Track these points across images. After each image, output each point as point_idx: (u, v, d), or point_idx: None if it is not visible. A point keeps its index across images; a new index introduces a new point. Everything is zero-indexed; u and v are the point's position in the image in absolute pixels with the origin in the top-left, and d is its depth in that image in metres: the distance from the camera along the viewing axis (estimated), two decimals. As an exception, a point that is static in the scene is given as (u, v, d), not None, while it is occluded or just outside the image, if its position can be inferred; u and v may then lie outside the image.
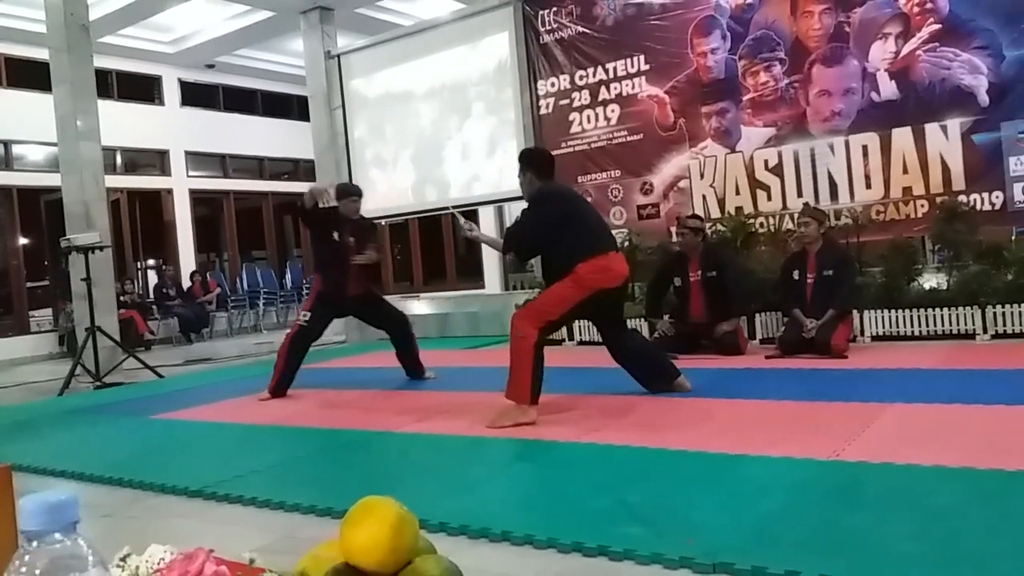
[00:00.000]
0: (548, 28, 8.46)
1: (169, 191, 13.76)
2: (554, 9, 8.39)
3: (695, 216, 6.53)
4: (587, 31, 8.17)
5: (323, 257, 5.60)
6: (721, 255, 6.15)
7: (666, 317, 6.07)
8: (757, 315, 6.28)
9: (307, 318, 5.49)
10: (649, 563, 2.07)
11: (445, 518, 2.49)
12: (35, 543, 0.66)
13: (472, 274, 13.00)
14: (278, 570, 1.16)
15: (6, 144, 11.69)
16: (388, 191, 10.05)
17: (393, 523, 1.20)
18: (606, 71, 8.08)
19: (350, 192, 5.75)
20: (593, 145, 8.18)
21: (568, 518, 2.46)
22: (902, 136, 6.49)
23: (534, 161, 4.29)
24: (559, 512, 2.55)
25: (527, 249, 4.44)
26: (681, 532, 2.24)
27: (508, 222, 12.17)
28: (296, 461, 3.69)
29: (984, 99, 6.18)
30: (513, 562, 2.20)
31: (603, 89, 8.10)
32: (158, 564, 1.06)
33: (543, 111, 8.54)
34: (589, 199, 8.10)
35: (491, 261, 12.50)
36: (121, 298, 10.17)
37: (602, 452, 3.26)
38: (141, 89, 13.49)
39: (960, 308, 5.59)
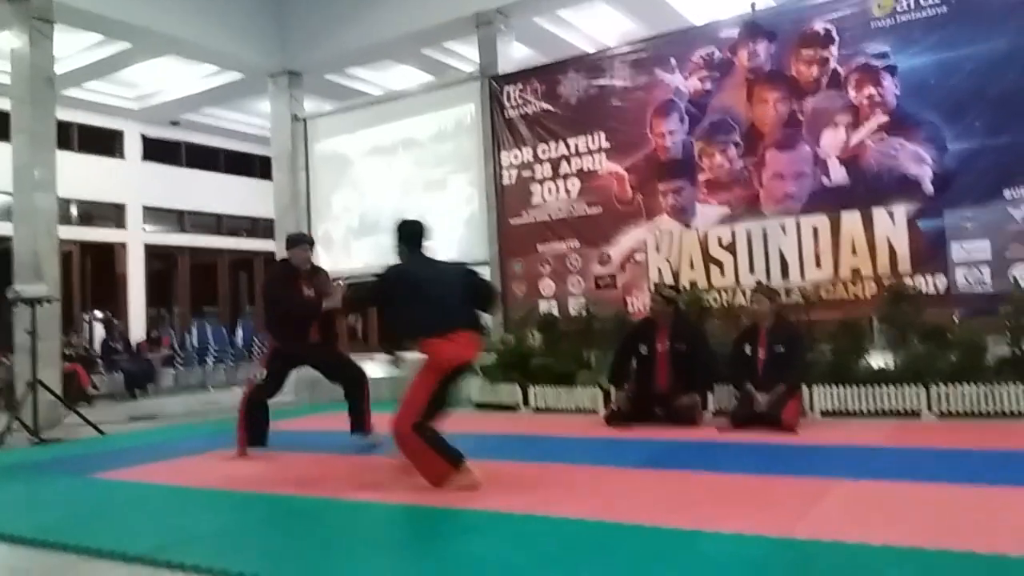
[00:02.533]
0: (513, 103, 8.67)
1: (123, 245, 13.56)
2: (520, 85, 8.62)
3: (671, 286, 6.60)
4: (551, 108, 8.39)
5: (280, 312, 5.45)
6: (693, 329, 6.20)
7: (625, 387, 6.05)
8: (711, 390, 6.32)
9: (263, 376, 5.41)
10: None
11: (394, 589, 2.43)
12: None
13: (428, 339, 12.93)
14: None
15: (-43, 191, 11.45)
16: (349, 253, 10.04)
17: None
18: (568, 146, 8.28)
19: (301, 240, 5.68)
20: (553, 216, 8.32)
21: (520, 592, 2.42)
22: (851, 219, 6.73)
23: (402, 232, 4.46)
24: (511, 585, 2.51)
25: (362, 302, 4.92)
26: (634, 608, 2.21)
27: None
28: (241, 528, 3.58)
29: (929, 188, 6.45)
30: (463, 636, 2.15)
31: (564, 163, 8.29)
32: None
33: (506, 181, 8.68)
34: (547, 267, 8.27)
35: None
36: (66, 351, 9.88)
37: (556, 525, 3.23)
38: (102, 142, 13.40)
39: (906, 387, 5.71)
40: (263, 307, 6.01)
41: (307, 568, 2.85)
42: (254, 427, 5.39)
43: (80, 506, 4.18)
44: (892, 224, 6.57)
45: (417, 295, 4.17)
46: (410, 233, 4.44)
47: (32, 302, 7.09)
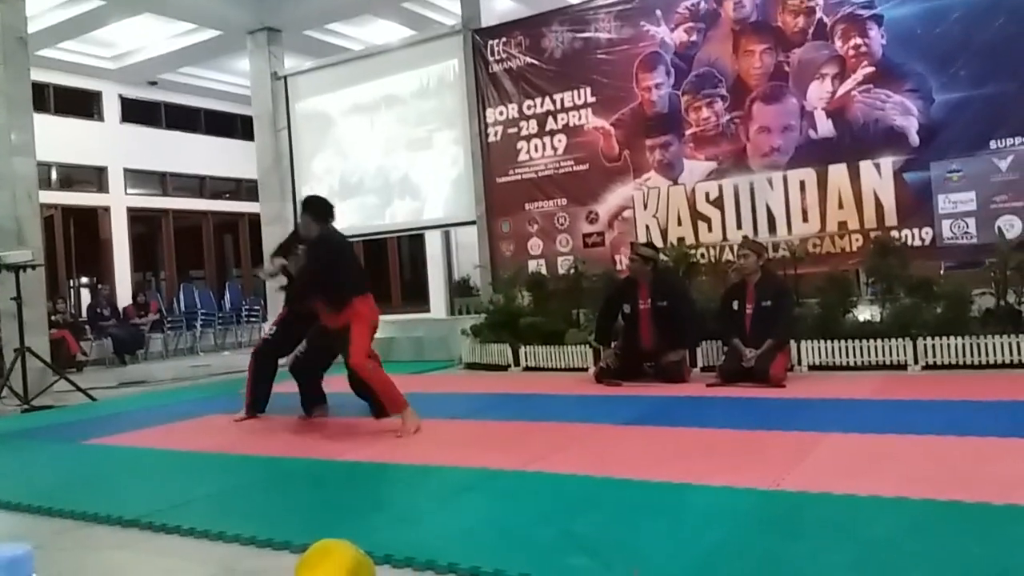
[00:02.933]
0: (497, 58, 8.55)
1: (106, 208, 13.39)
2: (503, 39, 8.49)
3: (648, 244, 6.61)
4: (535, 62, 8.28)
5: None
6: (674, 284, 6.23)
7: (613, 345, 6.10)
8: (698, 345, 6.38)
9: (273, 332, 5.42)
10: (596, 594, 2.08)
11: (390, 550, 2.45)
12: None
13: (417, 298, 12.93)
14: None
15: (-67, 156, 11.25)
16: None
17: (350, 567, 1.20)
18: (553, 102, 8.19)
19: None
20: (540, 174, 8.26)
21: (514, 549, 2.45)
22: (838, 172, 6.72)
23: (313, 207, 4.78)
24: (505, 543, 2.54)
25: (311, 289, 4.77)
26: (627, 563, 2.25)
27: (455, 248, 12.21)
28: (236, 490, 3.61)
29: (915, 139, 6.45)
30: (460, 594, 2.19)
31: (550, 119, 8.21)
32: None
33: (491, 139, 8.60)
34: (535, 226, 8.25)
35: (437, 285, 12.46)
36: (52, 317, 9.83)
37: (547, 481, 3.27)
38: (80, 104, 13.15)
39: (893, 340, 5.77)
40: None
41: (303, 529, 2.87)
42: (258, 390, 5.35)
43: (74, 472, 4.19)
44: (879, 177, 6.57)
45: (348, 262, 4.73)
46: (325, 208, 4.80)
47: (16, 268, 7.02)
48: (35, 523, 3.23)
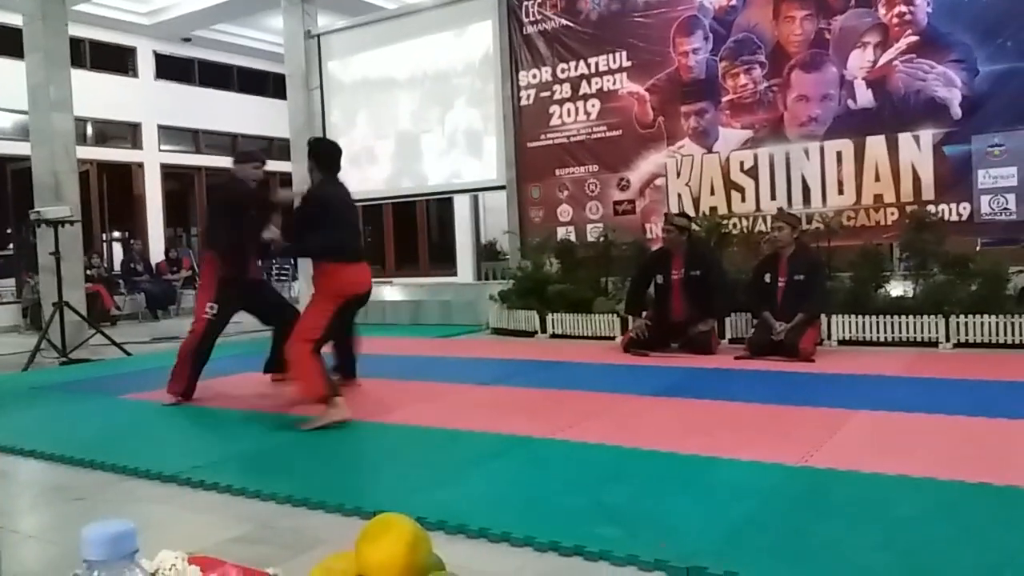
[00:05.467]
0: (532, 19, 8.46)
1: (140, 165, 13.55)
2: (538, 0, 8.38)
3: (682, 214, 6.57)
4: (571, 24, 8.18)
5: (230, 237, 4.70)
6: (707, 254, 6.20)
7: (643, 315, 6.09)
8: (728, 316, 6.36)
9: (214, 311, 4.68)
10: (624, 565, 2.12)
11: (422, 512, 2.50)
12: (96, 571, 0.69)
13: (444, 261, 12.99)
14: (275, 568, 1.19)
15: (-27, 111, 11.42)
16: (363, 174, 9.99)
17: (409, 541, 1.24)
18: (588, 65, 8.10)
19: (252, 158, 4.97)
20: (572, 139, 8.21)
21: (544, 516, 2.50)
22: (876, 144, 6.61)
23: (318, 152, 4.39)
24: (535, 511, 2.58)
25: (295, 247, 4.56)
26: (655, 534, 2.29)
27: (483, 212, 12.21)
28: (270, 449, 3.69)
29: (957, 112, 6.31)
30: (491, 560, 2.24)
31: (584, 83, 8.13)
32: (170, 570, 1.08)
33: (523, 102, 8.55)
34: (565, 192, 8.22)
35: (464, 249, 12.50)
36: (88, 272, 10.01)
37: (576, 450, 3.31)
38: (115, 59, 13.23)
39: (925, 316, 5.72)
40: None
41: (337, 490, 2.95)
42: (195, 375, 4.78)
43: (113, 426, 4.31)
44: (917, 149, 6.46)
45: (337, 218, 4.23)
46: (328, 154, 4.38)
47: (55, 224, 7.15)
48: (78, 475, 3.34)
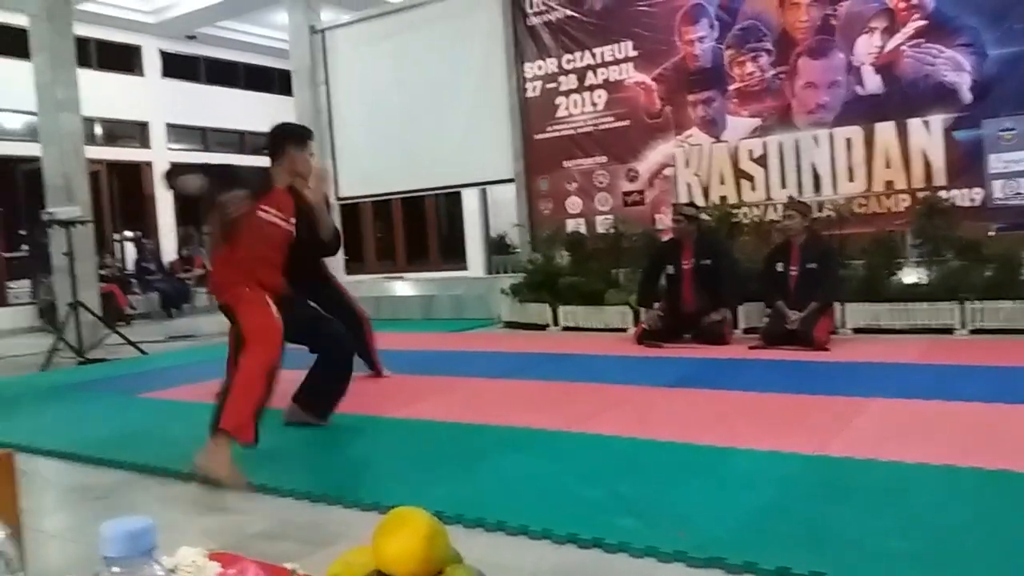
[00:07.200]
0: (536, 10, 8.43)
1: (149, 164, 13.60)
2: (543, -9, 8.36)
3: (691, 204, 6.57)
4: (575, 15, 8.15)
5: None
6: (717, 243, 6.18)
7: (656, 306, 6.08)
8: (740, 305, 6.35)
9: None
10: (643, 556, 2.13)
11: (440, 506, 2.49)
12: (115, 568, 0.69)
13: (455, 255, 13.01)
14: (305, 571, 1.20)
15: (-16, 113, 11.49)
16: (371, 169, 10.01)
17: (426, 534, 1.25)
18: (593, 56, 8.08)
19: None
20: (579, 130, 8.20)
21: (562, 509, 2.51)
22: (885, 130, 6.58)
23: (290, 136, 4.06)
24: (553, 503, 2.59)
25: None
26: (673, 525, 2.30)
27: (491, 205, 12.21)
28: (287, 446, 3.71)
29: (967, 96, 6.27)
30: (509, 553, 2.25)
31: (590, 74, 8.10)
32: (190, 566, 1.09)
33: (529, 94, 8.53)
34: (574, 184, 8.21)
35: (474, 242, 12.51)
36: (101, 272, 10.07)
37: (592, 441, 3.32)
38: (121, 58, 13.28)
39: (939, 303, 5.69)
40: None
41: (354, 484, 2.97)
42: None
43: (131, 425, 4.34)
44: (928, 135, 6.42)
45: None
46: (278, 139, 4.03)
47: (66, 224, 7.20)
48: (98, 474, 3.38)
